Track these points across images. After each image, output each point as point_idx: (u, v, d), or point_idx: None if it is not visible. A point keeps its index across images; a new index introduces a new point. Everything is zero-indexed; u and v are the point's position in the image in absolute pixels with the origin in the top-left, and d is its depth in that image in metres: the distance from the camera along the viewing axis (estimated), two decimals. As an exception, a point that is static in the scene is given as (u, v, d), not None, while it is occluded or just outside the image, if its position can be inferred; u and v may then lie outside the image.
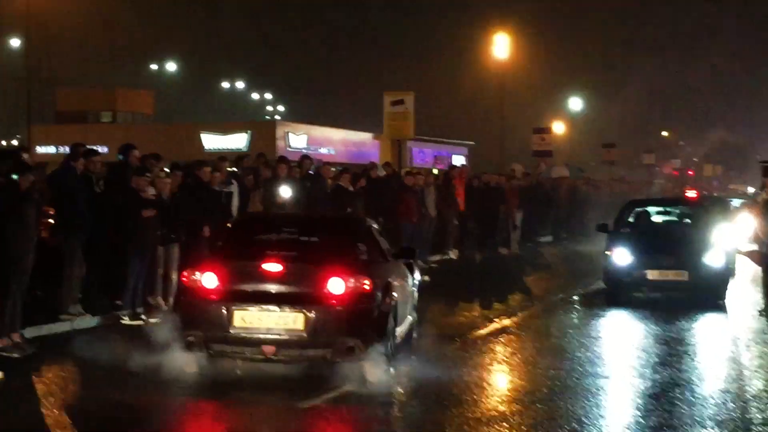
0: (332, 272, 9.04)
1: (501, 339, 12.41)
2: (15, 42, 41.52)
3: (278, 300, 8.94)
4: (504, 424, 7.83)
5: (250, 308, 8.98)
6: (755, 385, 9.55)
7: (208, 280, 9.10)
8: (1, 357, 9.82)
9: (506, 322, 13.70)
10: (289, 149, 29.29)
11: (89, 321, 12.24)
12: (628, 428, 7.97)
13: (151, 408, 8.42)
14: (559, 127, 52.63)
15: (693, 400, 8.87)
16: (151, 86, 55.31)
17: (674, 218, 18.03)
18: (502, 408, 8.52)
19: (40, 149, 20.32)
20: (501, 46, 39.78)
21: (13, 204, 10.13)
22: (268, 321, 8.91)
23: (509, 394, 9.38)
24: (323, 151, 26.71)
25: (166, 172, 13.32)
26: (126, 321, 12.46)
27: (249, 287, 9.13)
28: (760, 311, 13.81)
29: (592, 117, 69.45)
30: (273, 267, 9.09)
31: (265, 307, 8.96)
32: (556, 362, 10.63)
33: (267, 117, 68.89)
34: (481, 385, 9.44)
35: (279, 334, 8.86)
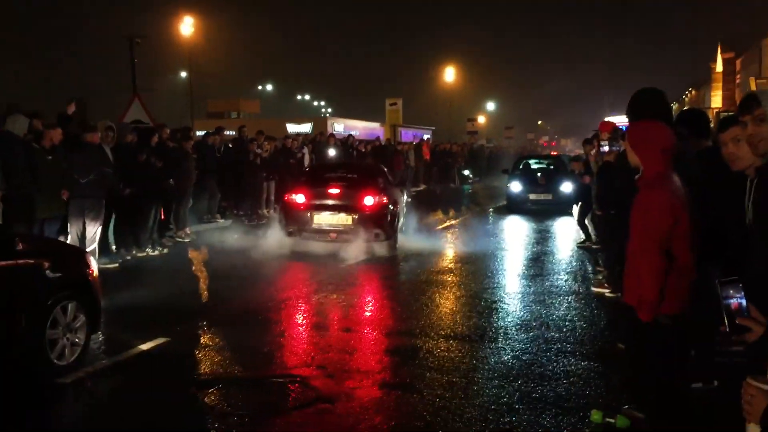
0: (366, 193, 11.73)
1: (449, 230, 15.78)
2: (183, 73, 58.28)
3: (338, 209, 11.65)
4: (450, 274, 10.49)
5: (322, 213, 11.65)
6: (588, 253, 12.14)
7: (300, 198, 11.84)
8: (179, 241, 12.92)
9: (452, 222, 17.36)
10: (334, 132, 37.06)
11: (225, 222, 15.61)
12: (518, 275, 10.41)
13: (264, 262, 11.09)
14: (481, 119, 72.50)
15: (554, 260, 11.69)
16: (258, 97, 78.00)
17: (544, 166, 21.24)
18: (450, 265, 11.32)
19: (198, 133, 24.42)
20: (449, 74, 58.44)
21: (181, 157, 12.88)
22: (332, 220, 11.61)
23: (454, 257, 12.19)
24: (353, 133, 32.90)
25: (267, 140, 16.93)
26: (246, 223, 15.67)
27: (322, 202, 11.75)
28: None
29: (501, 112, 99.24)
30: (334, 190, 11.86)
31: (331, 213, 11.64)
32: (478, 243, 13.34)
33: (321, 114, 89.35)
34: (439, 252, 12.42)
35: (338, 227, 11.57)
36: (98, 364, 6.01)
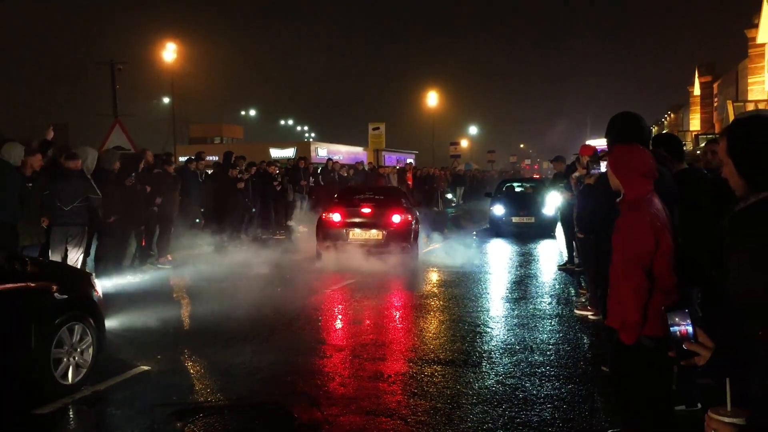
0: (394, 212, 13.21)
1: (433, 254, 15.51)
2: (166, 99, 57.62)
3: (370, 226, 13.04)
4: (434, 297, 10.45)
5: (357, 230, 13.05)
6: (571, 275, 12.20)
7: (336, 217, 13.17)
8: (160, 268, 12.78)
9: (436, 245, 17.07)
10: (317, 157, 38.32)
11: (207, 247, 15.17)
12: (501, 298, 10.36)
13: (246, 287, 10.85)
14: (464, 142, 72.06)
15: (537, 283, 11.73)
16: (241, 123, 78.72)
17: (526, 188, 21.40)
18: (434, 289, 11.29)
19: (181, 158, 24.31)
20: (432, 98, 58.89)
21: (167, 183, 12.99)
22: (365, 235, 13.01)
23: (438, 280, 12.13)
24: (336, 157, 33.44)
25: (248, 165, 17.22)
26: (228, 248, 15.28)
27: (356, 220, 13.14)
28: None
29: (484, 135, 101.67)
30: (367, 210, 13.29)
31: (364, 229, 13.03)
32: (462, 266, 13.48)
33: (305, 139, 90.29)
34: (422, 276, 12.54)
35: (371, 242, 12.93)
36: (77, 393, 5.90)
